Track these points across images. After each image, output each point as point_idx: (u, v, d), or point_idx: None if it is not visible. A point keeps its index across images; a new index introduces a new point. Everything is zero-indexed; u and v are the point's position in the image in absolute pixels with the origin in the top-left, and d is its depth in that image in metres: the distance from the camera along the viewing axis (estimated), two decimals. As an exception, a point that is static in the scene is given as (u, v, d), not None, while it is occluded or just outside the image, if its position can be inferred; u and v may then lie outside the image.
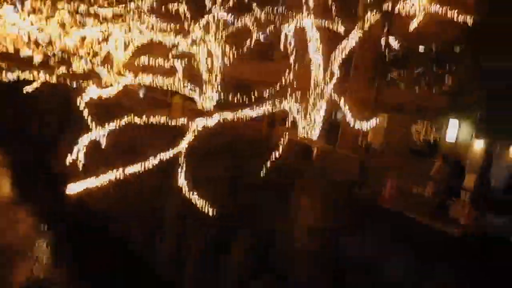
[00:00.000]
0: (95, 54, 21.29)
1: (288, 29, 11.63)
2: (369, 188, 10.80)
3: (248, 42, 14.74)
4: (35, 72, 17.51)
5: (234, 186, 10.57)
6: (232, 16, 14.59)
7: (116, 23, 15.83)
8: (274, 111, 12.49)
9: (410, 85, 19.18)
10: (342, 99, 12.03)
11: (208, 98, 16.32)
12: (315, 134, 12.67)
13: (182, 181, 10.05)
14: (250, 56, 22.47)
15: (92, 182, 8.92)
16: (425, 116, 16.78)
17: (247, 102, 13.17)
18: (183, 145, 10.43)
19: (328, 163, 12.23)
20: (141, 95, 16.64)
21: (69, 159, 9.75)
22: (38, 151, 20.26)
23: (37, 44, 20.79)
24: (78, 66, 17.29)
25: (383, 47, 14.16)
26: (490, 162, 11.13)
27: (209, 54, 15.61)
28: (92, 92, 10.80)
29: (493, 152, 15.05)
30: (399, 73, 20.42)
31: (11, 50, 24.19)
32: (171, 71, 17.12)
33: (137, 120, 10.13)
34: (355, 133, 14.82)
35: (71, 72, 17.80)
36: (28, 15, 21.06)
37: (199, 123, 10.87)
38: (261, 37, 14.12)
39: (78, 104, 10.26)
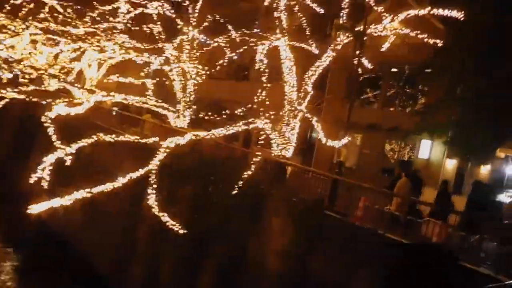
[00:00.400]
0: (68, 72, 20.98)
1: (262, 49, 11.69)
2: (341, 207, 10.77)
3: (221, 61, 14.78)
4: (3, 90, 17.05)
5: (205, 206, 10.33)
6: (205, 37, 14.65)
7: (89, 41, 15.63)
8: (247, 130, 12.43)
9: (384, 105, 19.69)
10: (315, 118, 12.10)
11: (181, 116, 16.16)
12: (289, 153, 12.63)
13: (152, 201, 9.77)
14: (226, 75, 22.71)
15: (56, 202, 8.53)
16: (398, 135, 17.13)
17: (220, 121, 13.08)
18: (154, 164, 10.18)
19: (301, 182, 12.18)
20: (113, 113, 16.33)
21: (33, 177, 9.34)
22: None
23: (6, 61, 20.26)
24: (49, 84, 16.93)
25: (355, 67, 14.48)
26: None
27: (183, 73, 15.55)
28: (59, 109, 10.48)
29: (465, 170, 15.42)
30: (373, 93, 20.99)
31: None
32: (144, 89, 16.99)
33: (106, 138, 9.85)
34: (330, 152, 14.92)
35: (41, 90, 17.42)
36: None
37: (171, 142, 10.67)
38: (234, 57, 14.19)
39: (43, 120, 9.91)
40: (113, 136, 10.14)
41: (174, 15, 15.33)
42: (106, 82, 22.85)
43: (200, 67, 15.31)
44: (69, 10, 19.86)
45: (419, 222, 9.54)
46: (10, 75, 21.95)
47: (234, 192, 9.77)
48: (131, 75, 18.62)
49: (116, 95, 13.32)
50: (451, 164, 15.31)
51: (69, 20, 17.60)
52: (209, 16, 16.35)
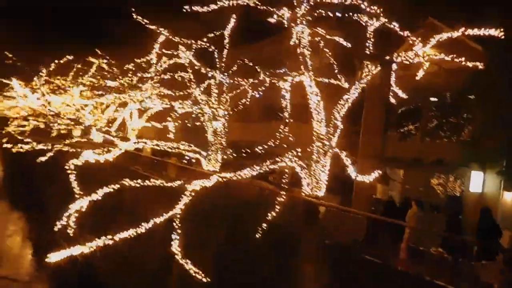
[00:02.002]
0: (111, 123, 22.05)
1: (284, 85, 11.42)
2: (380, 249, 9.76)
3: (243, 100, 14.70)
4: (50, 143, 18.08)
5: (228, 251, 9.76)
6: (227, 77, 14.73)
7: (126, 92, 16.37)
8: (276, 169, 11.94)
9: (426, 137, 18.48)
10: (344, 153, 11.39)
11: (213, 159, 16.06)
12: (320, 192, 11.89)
13: (175, 246, 9.37)
14: (257, 117, 22.67)
15: (76, 250, 8.38)
16: (444, 168, 15.81)
17: (250, 162, 12.67)
18: (179, 207, 9.88)
19: (336, 223, 11.31)
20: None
21: (58, 225, 9.36)
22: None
23: (57, 116, 21.69)
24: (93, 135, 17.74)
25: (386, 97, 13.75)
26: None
27: (214, 116, 15.63)
28: (87, 155, 10.69)
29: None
30: (414, 125, 19.84)
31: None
32: (181, 136, 17.29)
33: (131, 183, 9.78)
34: (370, 191, 13.91)
35: (84, 141, 18.27)
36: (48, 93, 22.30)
37: (196, 185, 10.39)
38: (257, 96, 14.05)
39: (66, 167, 10.10)
40: (139, 180, 10.03)
41: (200, 63, 15.67)
42: (147, 131, 23.74)
43: (228, 108, 15.30)
44: (114, 68, 21.22)
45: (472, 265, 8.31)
46: (59, 130, 23.47)
47: (259, 235, 9.14)
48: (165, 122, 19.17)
49: (148, 142, 13.50)
50: (510, 197, 13.68)
51: (110, 75, 18.65)
52: (238, 61, 16.58)
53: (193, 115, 16.52)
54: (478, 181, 14.37)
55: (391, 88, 13.64)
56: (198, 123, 16.19)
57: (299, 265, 9.97)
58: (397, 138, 19.73)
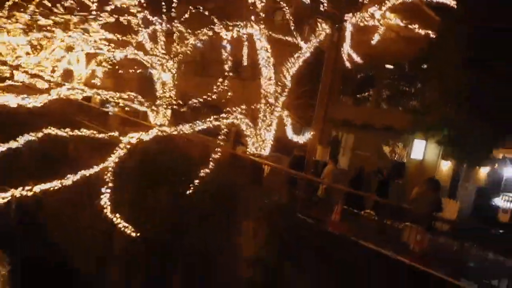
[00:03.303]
0: (54, 70, 20.38)
1: (227, 35, 10.72)
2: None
3: (183, 48, 13.80)
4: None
5: (164, 208, 9.46)
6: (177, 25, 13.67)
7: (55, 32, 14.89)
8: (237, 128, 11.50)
9: (378, 104, 18.65)
10: (286, 113, 11.15)
11: (161, 113, 15.33)
12: (265, 152, 11.71)
13: (105, 200, 8.92)
14: (214, 72, 21.85)
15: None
16: (392, 135, 16.09)
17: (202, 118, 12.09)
18: (111, 160, 9.33)
19: (279, 183, 11.26)
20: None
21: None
22: None
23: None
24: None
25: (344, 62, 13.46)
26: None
27: (162, 67, 14.72)
28: (8, 100, 9.71)
29: (461, 172, 14.32)
30: (369, 92, 19.94)
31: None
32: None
33: (59, 132, 9.05)
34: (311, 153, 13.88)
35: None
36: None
37: (132, 137, 9.81)
38: (198, 45, 13.29)
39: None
40: (67, 130, 9.30)
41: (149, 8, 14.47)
42: (104, 81, 22.24)
43: (177, 60, 14.43)
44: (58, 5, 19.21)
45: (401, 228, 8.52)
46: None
47: (187, 192, 8.86)
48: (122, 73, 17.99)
49: (86, 89, 12.51)
50: (446, 166, 14.21)
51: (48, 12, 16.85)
52: (191, 8, 15.49)
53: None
54: (420, 149, 14.76)
55: (348, 52, 13.30)
56: (141, 70, 15.22)
57: (239, 222, 9.89)
58: (351, 103, 19.86)
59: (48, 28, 15.12)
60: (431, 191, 8.39)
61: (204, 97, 12.13)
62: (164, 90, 15.22)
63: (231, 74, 11.67)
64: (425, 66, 15.93)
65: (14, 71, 14.12)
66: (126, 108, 13.09)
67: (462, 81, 13.32)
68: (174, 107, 14.40)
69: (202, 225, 9.00)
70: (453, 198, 13.39)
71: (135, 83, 22.16)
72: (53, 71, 21.54)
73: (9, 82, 15.17)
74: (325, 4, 11.53)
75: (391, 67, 18.23)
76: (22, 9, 19.52)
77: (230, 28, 10.69)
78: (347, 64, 13.46)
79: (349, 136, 18.92)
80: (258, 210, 9.88)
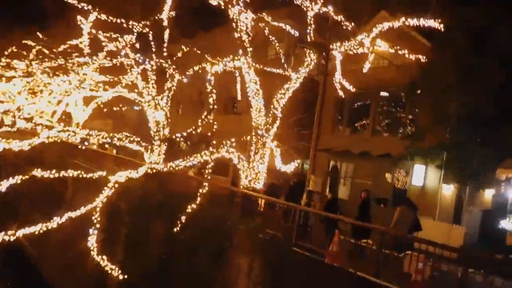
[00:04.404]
0: (53, 114, 20.67)
1: (210, 69, 10.73)
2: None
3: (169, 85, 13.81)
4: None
5: (153, 247, 9.10)
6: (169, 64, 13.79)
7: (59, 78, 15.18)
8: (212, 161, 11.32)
9: (375, 132, 18.44)
10: (274, 143, 10.97)
11: (156, 151, 15.23)
12: (259, 185, 11.43)
13: (92, 242, 8.61)
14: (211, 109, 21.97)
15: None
16: (390, 162, 15.75)
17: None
18: (99, 200, 9.10)
19: (273, 216, 10.91)
20: (82, 147, 15.43)
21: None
22: None
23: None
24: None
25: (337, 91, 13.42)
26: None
27: (155, 105, 14.77)
28: None
29: (463, 196, 13.83)
30: (366, 121, 19.80)
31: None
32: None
33: (44, 174, 8.90)
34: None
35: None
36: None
37: (121, 176, 9.63)
38: (184, 80, 13.31)
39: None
40: (53, 171, 9.17)
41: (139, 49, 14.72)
42: (101, 124, 22.41)
43: (169, 97, 14.49)
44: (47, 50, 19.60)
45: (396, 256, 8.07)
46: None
47: (176, 229, 8.54)
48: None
49: (78, 130, 12.53)
50: (448, 190, 13.76)
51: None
52: (183, 47, 15.75)
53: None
54: (420, 175, 14.38)
55: (340, 82, 13.29)
56: (136, 108, 15.25)
57: (233, 258, 9.49)
58: (349, 132, 19.69)
59: (46, 72, 15.37)
60: (411, 211, 8.19)
61: (191, 131, 12.00)
62: (158, 128, 15.22)
63: (218, 108, 11.59)
64: (418, 91, 15.83)
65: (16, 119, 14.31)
66: (106, 146, 12.98)
67: (457, 103, 13.15)
68: (165, 144, 14.31)
69: (192, 262, 8.59)
70: (458, 223, 12.86)
71: (133, 122, 22.27)
72: (52, 115, 21.90)
73: (6, 128, 15.40)
74: (312, 35, 11.62)
75: (387, 94, 18.21)
76: (22, 58, 20.13)
77: (217, 62, 10.72)
78: (340, 93, 13.44)
79: (349, 165, 18.62)
80: (252, 245, 9.51)
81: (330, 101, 17.69)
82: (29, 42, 17.49)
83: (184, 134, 12.24)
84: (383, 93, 18.26)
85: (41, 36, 17.93)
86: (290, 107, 12.20)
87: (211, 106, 10.99)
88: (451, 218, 13.26)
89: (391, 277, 7.54)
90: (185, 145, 16.00)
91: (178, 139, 12.59)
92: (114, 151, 20.89)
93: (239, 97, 13.01)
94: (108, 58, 14.84)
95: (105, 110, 20.62)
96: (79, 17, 13.81)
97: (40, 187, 9.60)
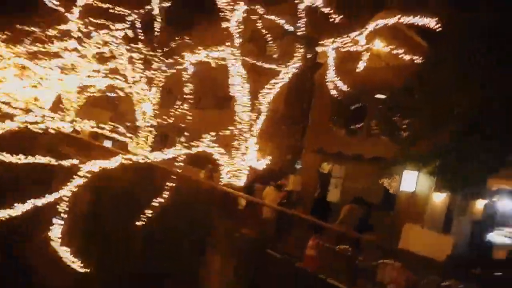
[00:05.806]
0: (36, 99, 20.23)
1: (188, 57, 10.29)
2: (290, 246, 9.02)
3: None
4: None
5: (120, 240, 8.71)
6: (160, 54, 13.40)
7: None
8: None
9: (370, 134, 17.95)
10: (254, 141, 10.54)
11: (142, 142, 14.81)
12: (240, 182, 10.99)
13: (55, 232, 8.22)
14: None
15: None
16: (380, 166, 15.27)
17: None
18: (67, 189, 8.71)
19: (253, 215, 10.50)
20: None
21: None
22: None
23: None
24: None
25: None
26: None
27: (142, 97, 14.35)
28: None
29: (455, 205, 13.35)
30: (361, 123, 19.30)
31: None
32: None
33: (8, 158, 8.54)
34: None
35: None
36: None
37: (94, 165, 9.24)
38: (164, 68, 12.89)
39: None
40: (19, 156, 8.80)
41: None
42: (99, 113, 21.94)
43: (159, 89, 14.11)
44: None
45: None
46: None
47: (138, 224, 8.14)
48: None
49: (55, 117, 12.09)
50: (439, 199, 13.28)
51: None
52: (177, 38, 15.35)
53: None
54: (411, 180, 13.89)
55: (333, 80, 12.86)
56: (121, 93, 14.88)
57: (208, 257, 9.11)
58: (343, 134, 19.21)
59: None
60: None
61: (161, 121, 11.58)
62: (144, 118, 14.81)
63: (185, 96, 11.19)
64: (416, 96, 15.33)
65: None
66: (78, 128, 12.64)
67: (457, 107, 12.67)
68: (151, 135, 13.93)
69: (158, 260, 8.19)
70: (448, 232, 12.39)
71: (128, 113, 21.67)
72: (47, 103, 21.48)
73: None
74: (302, 28, 11.18)
75: (383, 96, 17.72)
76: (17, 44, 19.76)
77: (198, 51, 10.31)
78: (333, 92, 13.01)
79: (341, 168, 18.13)
80: (227, 244, 9.12)
81: (325, 99, 17.26)
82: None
83: (155, 123, 11.85)
84: (380, 95, 17.78)
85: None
86: (279, 103, 11.77)
87: (185, 96, 10.57)
88: (440, 226, 12.78)
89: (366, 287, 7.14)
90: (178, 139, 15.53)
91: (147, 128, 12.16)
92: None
93: (223, 90, 12.61)
94: (99, 46, 14.48)
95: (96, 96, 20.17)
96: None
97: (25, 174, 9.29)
